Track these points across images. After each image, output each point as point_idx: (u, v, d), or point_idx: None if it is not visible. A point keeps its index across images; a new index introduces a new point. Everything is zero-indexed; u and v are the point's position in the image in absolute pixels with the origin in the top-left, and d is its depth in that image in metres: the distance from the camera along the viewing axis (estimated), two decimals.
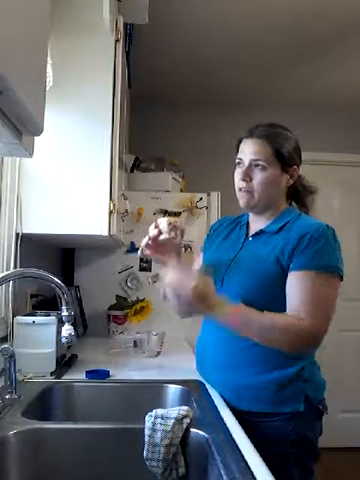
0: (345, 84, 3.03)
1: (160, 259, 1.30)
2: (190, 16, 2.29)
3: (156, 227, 1.24)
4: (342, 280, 1.20)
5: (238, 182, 1.28)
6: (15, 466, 0.96)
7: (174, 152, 3.06)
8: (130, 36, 2.22)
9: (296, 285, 1.18)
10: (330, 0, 2.13)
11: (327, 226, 1.21)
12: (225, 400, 1.21)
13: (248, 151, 1.26)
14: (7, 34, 0.61)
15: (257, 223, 1.33)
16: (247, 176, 1.25)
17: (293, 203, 1.38)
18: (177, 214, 2.50)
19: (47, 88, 0.93)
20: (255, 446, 0.91)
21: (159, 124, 3.29)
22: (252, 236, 1.32)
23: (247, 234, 1.35)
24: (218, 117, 3.31)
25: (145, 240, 1.26)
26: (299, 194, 1.37)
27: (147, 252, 1.28)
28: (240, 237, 1.36)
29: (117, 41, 1.71)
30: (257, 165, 1.24)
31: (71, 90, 1.62)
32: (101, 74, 1.66)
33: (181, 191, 2.73)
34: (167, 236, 1.22)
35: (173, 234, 1.22)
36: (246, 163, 1.26)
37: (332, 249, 1.19)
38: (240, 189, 1.28)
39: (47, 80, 0.96)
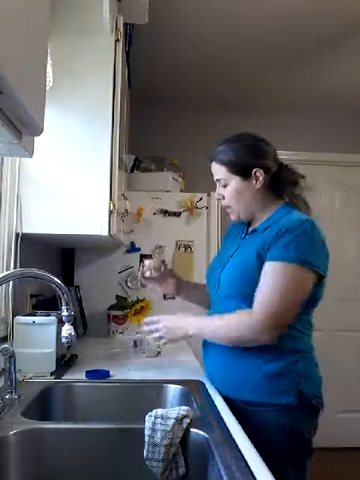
0: (345, 84, 3.03)
1: (160, 287, 1.61)
2: (190, 16, 2.29)
3: (143, 266, 1.56)
4: (320, 274, 1.22)
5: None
6: (15, 466, 0.96)
7: (174, 152, 3.06)
8: (130, 36, 2.22)
9: (262, 276, 1.23)
10: (330, 0, 2.14)
11: (306, 220, 1.24)
12: (225, 389, 1.28)
13: (213, 174, 1.41)
14: (7, 34, 0.61)
15: (254, 223, 1.40)
16: (220, 195, 1.39)
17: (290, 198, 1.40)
18: (177, 214, 2.51)
19: (47, 88, 0.93)
20: (250, 434, 0.95)
21: (159, 124, 3.29)
22: (248, 235, 1.39)
23: (246, 233, 1.42)
24: (218, 117, 3.31)
25: (139, 275, 1.60)
26: (280, 188, 1.38)
27: (148, 285, 1.63)
28: (240, 236, 1.43)
29: (117, 41, 1.71)
30: (221, 184, 1.38)
31: (71, 90, 1.62)
32: (101, 74, 1.65)
33: (181, 191, 2.73)
34: (153, 274, 1.54)
35: (154, 273, 1.54)
36: (217, 185, 1.40)
37: (303, 242, 1.20)
38: (223, 207, 1.43)
39: (47, 80, 0.96)
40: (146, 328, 1.42)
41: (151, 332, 1.41)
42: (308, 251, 1.20)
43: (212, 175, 1.42)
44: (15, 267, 1.55)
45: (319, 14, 2.24)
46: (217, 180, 1.39)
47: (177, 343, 1.46)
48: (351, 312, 3.35)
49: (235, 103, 3.28)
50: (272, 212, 1.34)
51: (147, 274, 1.54)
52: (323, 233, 1.25)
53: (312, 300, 1.27)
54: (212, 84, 3.07)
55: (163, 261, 1.58)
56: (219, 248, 1.70)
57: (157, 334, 1.38)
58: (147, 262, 1.56)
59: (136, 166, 2.77)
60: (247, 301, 1.24)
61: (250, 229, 1.39)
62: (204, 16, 2.29)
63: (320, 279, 1.24)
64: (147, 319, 1.44)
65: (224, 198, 1.38)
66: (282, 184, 1.36)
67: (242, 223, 1.46)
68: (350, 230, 3.45)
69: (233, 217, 1.40)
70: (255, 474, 0.77)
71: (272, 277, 1.21)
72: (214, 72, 2.91)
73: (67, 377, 1.42)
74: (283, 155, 3.77)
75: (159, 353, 1.81)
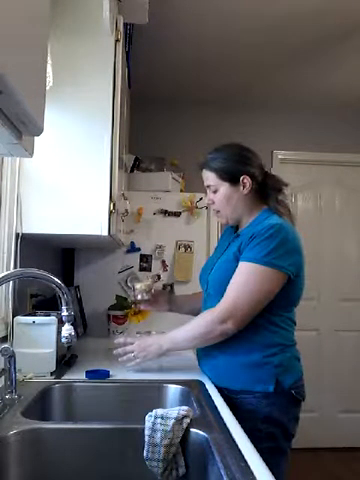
0: (345, 84, 3.03)
1: (155, 308, 1.72)
2: (190, 16, 2.29)
3: (134, 290, 1.65)
4: (289, 274, 1.31)
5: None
6: (15, 466, 0.96)
7: (174, 152, 3.06)
8: (130, 36, 2.22)
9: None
10: (330, 0, 2.14)
11: (275, 224, 1.33)
12: (213, 379, 1.38)
13: (204, 181, 1.49)
14: (7, 34, 0.61)
15: (240, 227, 1.50)
16: (210, 200, 1.48)
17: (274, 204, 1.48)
18: (177, 214, 2.51)
19: (47, 88, 0.93)
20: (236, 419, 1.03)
21: (159, 124, 3.29)
22: (235, 238, 1.47)
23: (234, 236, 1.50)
24: (218, 117, 3.31)
25: (132, 299, 1.74)
26: (266, 194, 1.47)
27: (141, 307, 1.72)
28: (230, 239, 1.51)
29: (117, 41, 1.70)
30: (211, 190, 1.46)
31: (71, 90, 1.62)
32: (101, 74, 1.65)
33: (181, 191, 2.73)
34: (144, 297, 1.63)
35: (145, 296, 1.62)
36: (207, 190, 1.49)
37: (269, 244, 1.30)
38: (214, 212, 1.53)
39: (47, 80, 0.96)
40: (119, 350, 1.46)
41: (124, 353, 1.45)
42: (273, 253, 1.29)
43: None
44: (15, 267, 1.55)
45: (319, 14, 2.24)
46: (207, 186, 1.48)
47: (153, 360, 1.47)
48: (351, 312, 3.35)
49: (235, 103, 3.28)
50: (255, 217, 1.43)
51: (139, 297, 1.63)
52: (295, 236, 1.35)
53: (290, 298, 1.36)
54: (212, 84, 3.07)
55: (154, 281, 1.69)
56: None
57: (132, 354, 1.44)
58: (138, 286, 1.63)
59: (136, 166, 2.77)
60: None
61: (236, 233, 1.48)
62: (204, 16, 2.29)
63: (291, 279, 1.32)
64: (119, 340, 1.50)
65: (214, 203, 1.47)
66: (268, 191, 1.45)
67: (231, 226, 1.54)
68: (351, 230, 3.44)
69: (222, 221, 1.50)
70: (255, 474, 0.77)
71: (236, 276, 1.33)
72: (214, 72, 2.90)
73: (67, 377, 1.42)
74: (283, 155, 3.79)
75: None
